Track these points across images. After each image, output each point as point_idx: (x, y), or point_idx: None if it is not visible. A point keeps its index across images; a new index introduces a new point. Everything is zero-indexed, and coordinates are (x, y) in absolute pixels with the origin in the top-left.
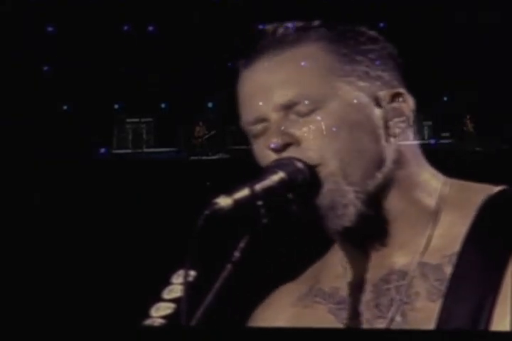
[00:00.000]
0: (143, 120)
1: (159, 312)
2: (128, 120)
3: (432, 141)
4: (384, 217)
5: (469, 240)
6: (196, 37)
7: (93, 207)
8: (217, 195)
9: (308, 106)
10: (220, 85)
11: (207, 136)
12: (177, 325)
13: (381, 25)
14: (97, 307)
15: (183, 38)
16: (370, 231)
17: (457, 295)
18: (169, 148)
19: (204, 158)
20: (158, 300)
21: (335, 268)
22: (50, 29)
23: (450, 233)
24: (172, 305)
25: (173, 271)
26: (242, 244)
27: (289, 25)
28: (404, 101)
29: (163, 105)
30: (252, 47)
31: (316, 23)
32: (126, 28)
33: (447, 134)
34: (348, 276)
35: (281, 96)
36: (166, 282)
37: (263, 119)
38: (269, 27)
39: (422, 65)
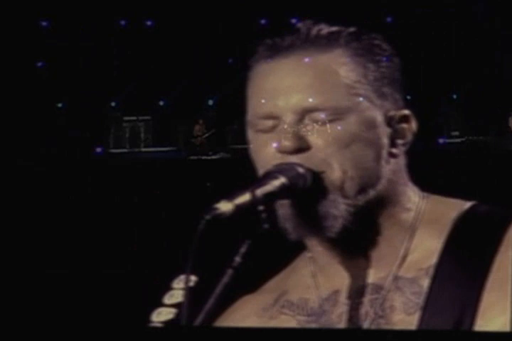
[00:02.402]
0: (141, 118)
1: (160, 317)
2: (125, 118)
3: (441, 140)
4: (363, 230)
5: (446, 253)
6: (196, 34)
7: (89, 211)
8: (218, 196)
9: (328, 116)
10: (220, 83)
11: (207, 135)
12: (177, 326)
13: (388, 19)
14: (98, 311)
15: (183, 35)
16: (346, 244)
17: (436, 307)
18: (168, 147)
19: (204, 157)
20: (159, 305)
21: (304, 278)
22: (44, 24)
23: (426, 246)
24: (173, 310)
25: (173, 275)
26: (243, 249)
27: (323, 27)
28: (409, 123)
29: (161, 103)
30: (282, 41)
31: (348, 30)
32: (123, 22)
33: (457, 133)
34: (319, 288)
35: (305, 99)
36: (167, 287)
37: (276, 117)
38: (302, 25)
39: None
